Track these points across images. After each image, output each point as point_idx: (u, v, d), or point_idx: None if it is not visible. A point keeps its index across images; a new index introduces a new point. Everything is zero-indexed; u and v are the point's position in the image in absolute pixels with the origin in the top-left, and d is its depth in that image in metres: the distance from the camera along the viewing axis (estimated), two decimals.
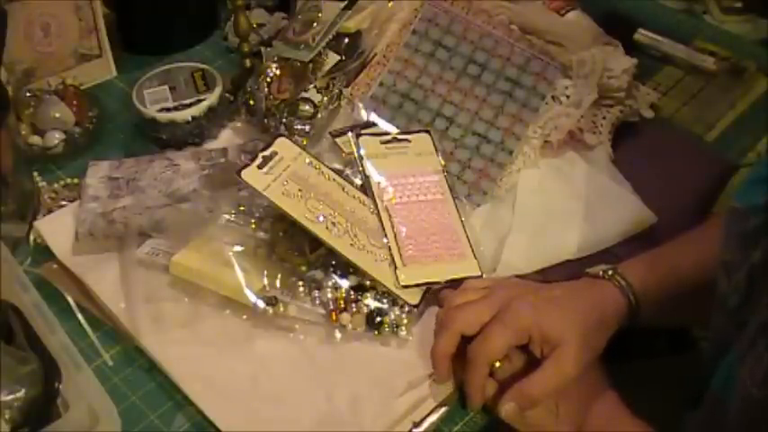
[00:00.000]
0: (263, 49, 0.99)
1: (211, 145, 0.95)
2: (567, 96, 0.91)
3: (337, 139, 0.90)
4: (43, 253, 0.84)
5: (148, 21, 1.09)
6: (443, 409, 0.72)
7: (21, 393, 0.66)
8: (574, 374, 0.68)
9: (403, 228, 0.81)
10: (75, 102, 0.97)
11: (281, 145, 0.84)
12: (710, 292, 0.64)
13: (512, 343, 0.69)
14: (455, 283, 0.79)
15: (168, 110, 0.94)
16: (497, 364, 0.71)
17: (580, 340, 0.68)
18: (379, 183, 0.84)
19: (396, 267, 0.78)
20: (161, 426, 0.72)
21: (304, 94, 0.93)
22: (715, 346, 0.65)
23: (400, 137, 0.88)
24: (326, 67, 0.95)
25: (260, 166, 0.81)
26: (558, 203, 0.86)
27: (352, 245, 0.79)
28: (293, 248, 0.79)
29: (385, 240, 0.80)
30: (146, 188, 0.87)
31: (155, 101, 0.95)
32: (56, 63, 1.01)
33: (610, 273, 0.74)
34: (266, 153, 0.83)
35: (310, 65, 0.94)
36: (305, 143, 0.89)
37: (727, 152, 0.95)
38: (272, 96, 0.93)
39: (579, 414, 0.70)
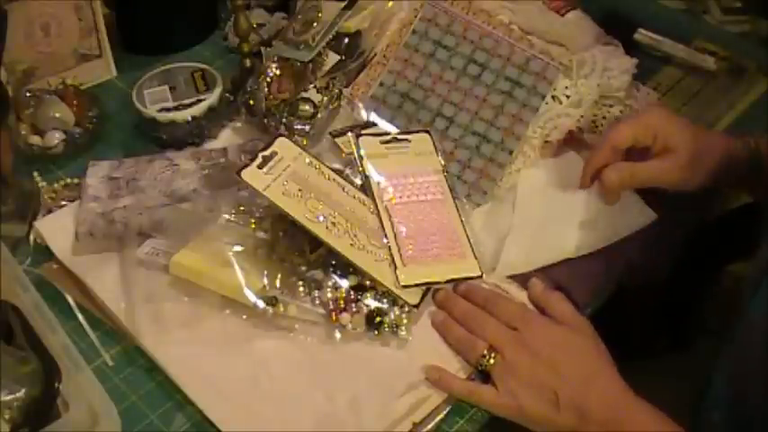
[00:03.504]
0: (263, 49, 0.99)
1: (211, 145, 0.95)
2: (567, 96, 0.91)
3: (337, 139, 0.90)
4: (43, 253, 0.84)
5: (148, 21, 1.09)
6: (443, 413, 0.73)
7: (21, 393, 0.66)
8: (674, 179, 0.80)
9: (403, 228, 0.81)
10: (75, 102, 0.97)
11: (281, 145, 0.84)
12: None
13: (637, 135, 0.80)
14: (455, 283, 0.79)
15: (168, 110, 0.94)
16: (491, 361, 0.72)
17: (689, 156, 0.80)
18: (379, 183, 0.84)
19: (396, 267, 0.78)
20: (161, 426, 0.72)
21: (304, 94, 0.93)
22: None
23: (400, 137, 0.88)
24: (326, 67, 0.95)
25: (260, 166, 0.81)
26: (557, 203, 0.86)
27: (352, 245, 0.79)
28: (293, 248, 0.79)
29: (385, 240, 0.80)
30: (146, 188, 0.87)
31: (155, 101, 0.95)
32: (56, 63, 1.01)
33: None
34: (266, 153, 0.83)
35: (310, 65, 0.94)
36: (305, 143, 0.89)
37: None
38: (272, 96, 0.93)
39: (579, 399, 0.70)
